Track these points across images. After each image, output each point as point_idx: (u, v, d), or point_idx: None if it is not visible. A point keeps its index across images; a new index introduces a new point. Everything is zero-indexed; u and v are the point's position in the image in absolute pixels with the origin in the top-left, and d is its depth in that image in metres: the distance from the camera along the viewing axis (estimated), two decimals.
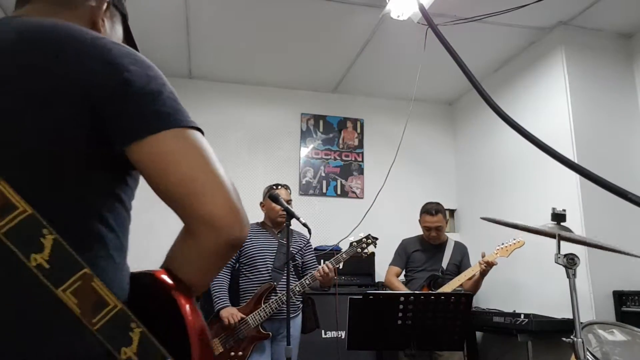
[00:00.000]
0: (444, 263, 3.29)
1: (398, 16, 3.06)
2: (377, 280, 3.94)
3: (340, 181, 4.51)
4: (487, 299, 3.97)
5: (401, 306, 2.20)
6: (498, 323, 3.20)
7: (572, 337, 1.71)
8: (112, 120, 0.67)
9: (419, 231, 3.53)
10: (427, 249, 3.40)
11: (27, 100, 0.65)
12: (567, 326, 2.72)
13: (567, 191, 3.20)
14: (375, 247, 3.00)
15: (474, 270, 3.07)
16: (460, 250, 3.38)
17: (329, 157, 4.52)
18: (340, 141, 4.60)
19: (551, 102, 3.47)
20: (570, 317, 1.78)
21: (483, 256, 3.01)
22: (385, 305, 2.22)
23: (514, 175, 3.80)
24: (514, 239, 3.00)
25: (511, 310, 3.39)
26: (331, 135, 4.59)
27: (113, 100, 0.67)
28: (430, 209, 3.34)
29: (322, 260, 2.92)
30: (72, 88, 0.66)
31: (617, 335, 2.19)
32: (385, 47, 3.75)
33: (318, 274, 2.72)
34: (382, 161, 3.77)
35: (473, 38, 3.54)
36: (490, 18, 3.18)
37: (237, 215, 0.68)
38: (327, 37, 3.63)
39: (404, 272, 3.46)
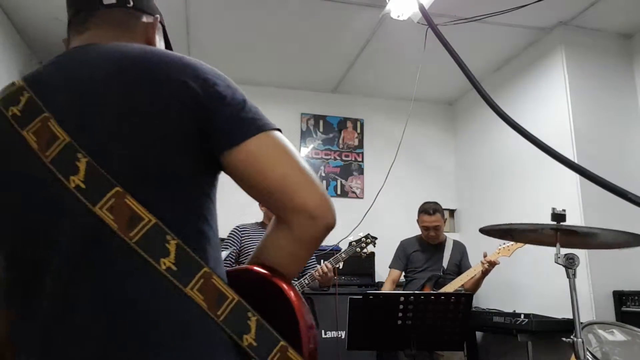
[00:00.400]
0: (445, 263, 3.28)
1: (398, 16, 3.05)
2: (377, 280, 3.93)
3: (340, 181, 4.51)
4: (487, 299, 3.97)
5: (401, 306, 2.20)
6: (498, 323, 3.20)
7: (572, 337, 1.71)
8: (210, 130, 0.74)
9: (419, 231, 3.53)
10: (426, 249, 3.39)
11: (138, 122, 0.72)
12: (567, 326, 2.72)
13: (567, 191, 3.20)
14: (374, 246, 2.99)
15: (475, 270, 3.06)
16: (460, 250, 3.38)
17: (329, 157, 4.52)
18: (340, 141, 4.60)
19: (551, 102, 3.47)
20: (570, 317, 1.78)
21: (485, 256, 3.00)
22: (385, 305, 2.22)
23: (514, 175, 3.80)
24: None
25: (511, 310, 3.39)
26: (331, 135, 4.59)
27: (209, 112, 0.74)
28: (428, 209, 3.33)
29: (321, 260, 2.92)
30: (174, 105, 0.73)
31: (617, 335, 2.19)
32: (385, 47, 3.75)
33: (317, 274, 2.72)
34: (382, 161, 3.77)
35: (473, 38, 3.54)
36: (490, 18, 3.18)
37: (329, 203, 0.76)
38: (327, 37, 3.63)
39: (404, 273, 3.45)
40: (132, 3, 0.88)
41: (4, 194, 0.75)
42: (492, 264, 2.97)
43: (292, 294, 0.76)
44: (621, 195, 0.52)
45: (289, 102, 4.41)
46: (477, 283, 3.10)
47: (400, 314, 2.21)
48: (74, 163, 0.69)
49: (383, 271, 3.93)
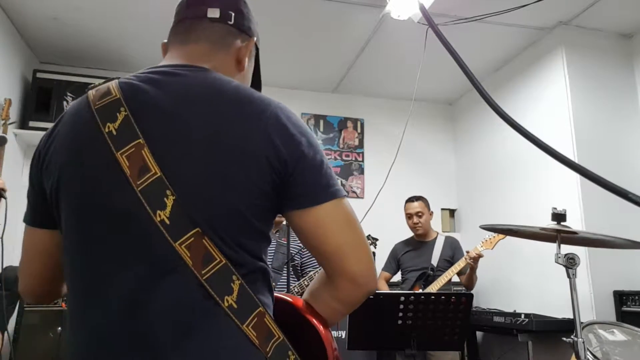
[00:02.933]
0: (434, 260, 3.32)
1: (398, 16, 3.05)
2: None
3: (341, 181, 4.51)
4: (487, 299, 3.97)
5: (401, 306, 2.20)
6: (498, 323, 3.19)
7: (572, 337, 1.71)
8: (287, 188, 0.79)
9: None
10: (416, 248, 3.45)
11: (222, 170, 0.75)
12: (567, 326, 2.72)
13: (567, 191, 3.20)
14: (375, 247, 2.99)
15: (460, 265, 3.12)
16: (451, 245, 3.40)
17: (329, 157, 4.52)
18: (341, 141, 4.60)
19: (551, 101, 3.46)
20: (571, 317, 1.78)
21: (468, 253, 3.08)
22: (386, 305, 2.22)
23: (514, 175, 3.80)
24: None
25: (511, 310, 3.39)
26: (331, 135, 4.59)
27: (289, 172, 0.78)
28: (411, 197, 3.50)
29: None
30: (259, 159, 0.76)
31: (618, 335, 2.19)
32: (385, 47, 3.75)
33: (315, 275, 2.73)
34: (383, 161, 3.77)
35: (473, 38, 3.54)
36: (490, 18, 3.18)
37: (373, 273, 0.83)
38: (328, 37, 3.63)
39: (400, 275, 3.51)
40: (233, 21, 0.93)
41: (85, 207, 0.78)
42: (476, 259, 3.04)
43: (324, 333, 0.85)
44: (622, 195, 0.52)
45: (290, 102, 4.36)
46: (470, 278, 3.16)
47: (400, 314, 2.21)
48: (162, 199, 0.74)
49: None
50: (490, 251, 3.10)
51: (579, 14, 3.30)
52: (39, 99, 3.62)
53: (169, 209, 0.73)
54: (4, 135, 2.64)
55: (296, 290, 2.71)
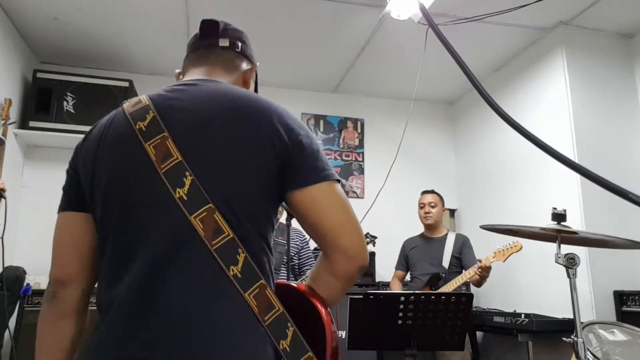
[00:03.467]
0: (445, 259, 3.25)
1: (398, 16, 3.05)
2: (377, 280, 3.93)
3: (341, 181, 4.50)
4: (487, 299, 3.97)
5: (401, 306, 2.20)
6: (498, 323, 3.19)
7: (572, 337, 1.71)
8: (288, 171, 0.91)
9: (419, 230, 3.54)
10: (425, 245, 3.39)
11: (236, 155, 0.89)
12: (567, 326, 2.72)
13: (567, 191, 3.20)
14: (374, 245, 2.99)
15: (470, 274, 3.05)
16: (460, 242, 3.33)
17: (329, 157, 4.52)
18: (341, 141, 4.60)
19: (551, 102, 3.46)
20: (571, 317, 1.78)
21: (480, 261, 2.98)
22: (386, 305, 2.22)
23: (515, 175, 3.80)
24: (512, 242, 2.97)
25: (511, 310, 3.39)
26: (331, 135, 4.59)
27: (290, 157, 0.91)
28: (426, 190, 3.49)
29: None
30: (268, 146, 0.90)
31: (618, 335, 2.19)
32: (385, 47, 3.75)
33: None
34: (383, 161, 3.77)
35: (473, 38, 3.54)
36: (490, 18, 3.18)
37: (365, 248, 0.93)
38: (328, 37, 3.63)
39: (409, 273, 3.44)
40: (239, 49, 1.13)
41: (120, 186, 0.91)
42: (486, 269, 2.96)
43: (323, 311, 0.93)
44: (622, 195, 0.52)
45: (290, 101, 4.40)
46: (480, 282, 3.08)
47: (400, 314, 2.21)
48: (182, 179, 0.87)
49: (383, 271, 3.93)
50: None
51: (579, 14, 3.30)
52: (39, 99, 3.61)
53: (187, 187, 0.87)
54: (1, 137, 2.64)
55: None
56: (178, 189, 0.86)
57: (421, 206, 3.44)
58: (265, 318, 0.84)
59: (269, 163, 0.89)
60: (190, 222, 0.85)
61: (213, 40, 1.11)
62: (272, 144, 0.89)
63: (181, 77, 1.13)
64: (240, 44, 1.13)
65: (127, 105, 0.98)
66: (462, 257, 3.27)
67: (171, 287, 0.83)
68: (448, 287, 3.09)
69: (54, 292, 1.01)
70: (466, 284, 3.19)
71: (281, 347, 0.84)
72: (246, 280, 0.85)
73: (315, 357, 0.87)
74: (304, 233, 2.78)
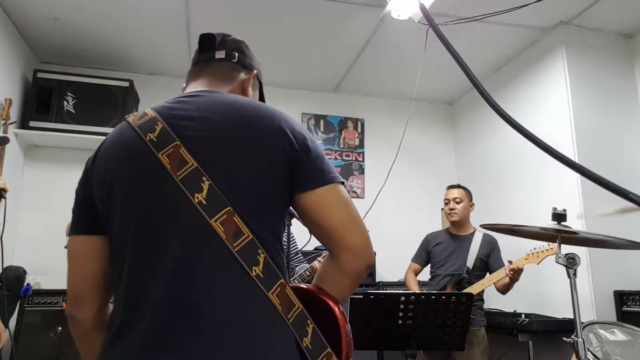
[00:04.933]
0: (470, 260, 3.05)
1: (399, 16, 3.05)
2: (377, 280, 3.94)
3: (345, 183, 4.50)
4: (487, 298, 3.96)
5: (402, 306, 2.20)
6: (499, 323, 3.19)
7: (572, 336, 1.71)
8: (296, 173, 0.94)
9: (419, 230, 3.52)
10: (450, 242, 3.21)
11: (250, 160, 0.92)
12: (568, 326, 2.72)
13: (567, 191, 3.20)
14: None
15: (499, 275, 2.88)
16: (488, 244, 3.13)
17: (329, 156, 4.52)
18: (341, 141, 4.60)
19: (552, 101, 3.46)
20: (571, 316, 1.78)
21: (510, 263, 2.80)
22: (386, 305, 2.22)
23: (515, 175, 3.80)
24: (547, 245, 2.72)
25: (512, 310, 3.39)
26: (332, 135, 4.59)
27: (298, 159, 0.95)
28: (452, 184, 3.36)
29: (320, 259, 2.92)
30: (279, 151, 0.93)
31: (618, 335, 2.19)
32: (385, 47, 3.75)
33: (317, 264, 2.73)
34: (383, 161, 3.77)
35: (474, 38, 3.54)
36: (490, 18, 3.17)
37: (370, 247, 0.96)
38: (328, 37, 3.63)
39: (429, 268, 3.29)
40: (236, 60, 1.15)
41: (137, 198, 0.93)
42: (517, 272, 2.76)
43: (337, 310, 0.95)
44: (622, 195, 0.52)
45: (290, 101, 4.41)
46: (507, 287, 2.90)
47: (400, 314, 2.21)
48: (200, 184, 0.89)
49: (384, 271, 3.94)
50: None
51: (579, 14, 3.29)
52: (39, 98, 3.61)
53: (205, 192, 0.89)
54: (6, 135, 2.65)
55: (297, 282, 2.71)
56: (196, 194, 0.88)
57: (446, 202, 3.27)
58: (289, 316, 0.87)
59: (281, 166, 0.93)
60: (211, 226, 0.87)
61: (210, 54, 1.14)
62: (282, 149, 0.93)
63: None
64: (237, 54, 1.15)
65: (133, 119, 1.00)
66: (490, 260, 3.08)
67: (198, 289, 0.85)
68: (473, 290, 2.91)
69: (70, 314, 1.02)
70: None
71: (304, 344, 0.88)
72: (268, 280, 0.87)
73: (333, 353, 0.90)
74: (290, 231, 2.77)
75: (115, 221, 0.95)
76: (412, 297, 2.20)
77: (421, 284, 3.33)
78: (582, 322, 1.76)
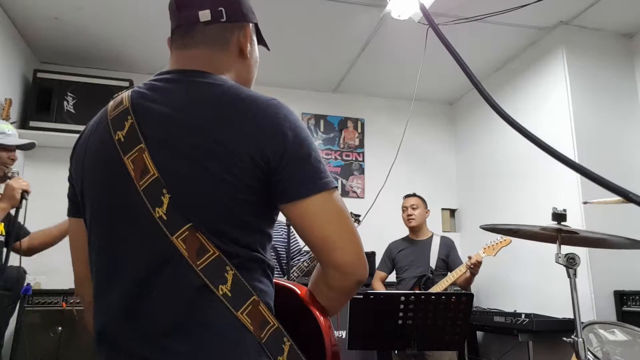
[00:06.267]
0: (432, 261, 3.30)
1: (399, 16, 3.05)
2: None
3: (341, 181, 4.51)
4: (487, 298, 3.97)
5: (402, 306, 2.20)
6: (499, 323, 3.20)
7: (572, 336, 1.71)
8: (272, 182, 0.83)
9: None
10: (411, 248, 3.43)
11: (216, 172, 0.81)
12: (567, 326, 2.72)
13: (567, 191, 3.20)
14: (359, 224, 2.92)
15: (461, 270, 3.10)
16: (446, 245, 3.39)
17: (329, 156, 4.52)
18: (341, 141, 4.60)
19: (552, 101, 3.46)
20: (571, 316, 1.78)
21: (470, 258, 3.04)
22: (386, 305, 2.22)
23: (515, 174, 3.80)
24: (500, 237, 3.02)
25: (512, 310, 3.39)
26: (332, 135, 4.59)
27: (279, 165, 0.82)
28: (408, 193, 3.54)
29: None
30: (247, 157, 0.81)
31: (618, 335, 2.19)
32: (385, 47, 3.75)
33: (305, 265, 2.73)
34: (383, 161, 3.76)
35: (474, 38, 3.54)
36: (491, 18, 3.17)
37: (362, 262, 0.86)
38: (328, 36, 3.63)
39: (395, 275, 3.48)
40: (225, 17, 0.97)
41: (104, 201, 0.89)
42: (477, 265, 3.01)
43: (322, 320, 0.90)
44: (622, 195, 0.52)
45: (290, 101, 4.34)
46: (468, 281, 3.13)
47: (400, 314, 2.21)
48: (160, 197, 0.82)
49: None
50: (491, 257, 3.08)
51: (579, 14, 3.29)
52: (39, 98, 3.61)
53: (165, 206, 0.82)
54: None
55: (296, 274, 2.69)
56: (157, 208, 0.82)
57: (403, 209, 3.50)
58: (262, 335, 0.81)
59: (248, 176, 0.81)
60: (172, 243, 0.80)
61: (192, 15, 0.96)
62: (250, 157, 0.81)
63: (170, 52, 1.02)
64: (224, 10, 0.96)
65: (111, 106, 0.94)
66: (449, 260, 3.32)
67: (155, 311, 0.81)
68: (438, 288, 3.14)
69: (77, 292, 1.03)
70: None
71: None
72: (237, 299, 0.81)
73: None
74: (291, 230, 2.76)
75: (88, 217, 0.93)
76: (412, 297, 2.20)
77: (387, 284, 3.55)
78: (582, 322, 1.76)
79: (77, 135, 1.11)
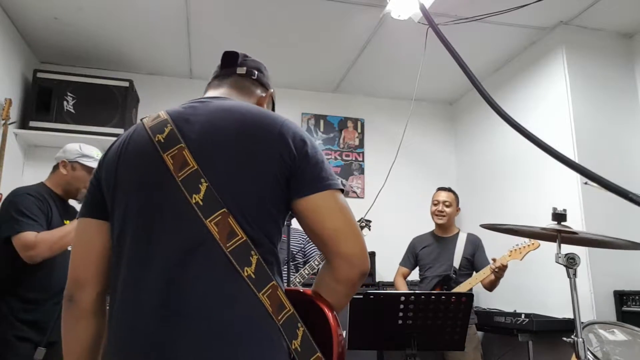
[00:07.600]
0: (456, 260, 3.14)
1: (399, 16, 3.05)
2: (377, 280, 3.93)
3: (341, 181, 4.49)
4: (487, 298, 3.97)
5: (402, 306, 2.20)
6: (499, 323, 3.20)
7: (572, 336, 1.71)
8: (293, 179, 0.97)
9: (419, 230, 3.52)
10: (436, 245, 3.29)
11: (248, 166, 0.95)
12: (567, 326, 2.73)
13: (567, 191, 3.20)
14: (369, 230, 2.93)
15: (485, 273, 2.96)
16: (473, 243, 3.23)
17: (329, 157, 4.51)
18: (341, 141, 4.60)
19: (552, 101, 3.46)
20: (571, 316, 1.78)
21: (494, 260, 2.90)
22: (386, 305, 2.22)
23: (515, 174, 3.80)
24: (529, 241, 2.83)
25: (512, 310, 3.39)
26: (332, 135, 4.59)
27: (296, 166, 0.97)
28: (443, 187, 3.39)
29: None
30: (277, 155, 0.96)
31: (618, 335, 2.19)
32: (385, 47, 3.75)
33: (316, 263, 2.73)
34: (383, 161, 3.76)
35: (473, 38, 3.54)
36: (490, 18, 3.17)
37: (366, 255, 0.98)
38: (328, 36, 3.63)
39: (418, 271, 3.36)
40: (255, 77, 1.24)
41: (140, 194, 0.98)
42: (502, 269, 2.86)
43: (330, 315, 0.97)
44: (622, 195, 0.52)
45: (290, 101, 4.40)
46: (493, 283, 2.99)
47: (400, 314, 2.21)
48: (198, 185, 0.94)
49: (384, 271, 3.93)
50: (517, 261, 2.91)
51: (579, 14, 3.29)
52: (39, 98, 3.61)
53: (202, 193, 0.93)
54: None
55: (297, 280, 2.70)
56: (194, 195, 0.93)
57: (435, 203, 3.31)
58: (279, 317, 0.89)
59: (277, 172, 0.95)
60: (206, 226, 0.90)
61: (232, 69, 1.22)
62: (280, 155, 0.96)
63: None
64: (256, 72, 1.24)
65: (147, 120, 1.06)
66: (475, 259, 3.17)
67: (189, 288, 0.89)
68: (461, 289, 3.00)
69: (70, 295, 1.04)
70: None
71: (293, 346, 0.90)
72: (260, 281, 0.90)
73: (323, 358, 0.91)
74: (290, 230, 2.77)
75: (120, 214, 0.99)
76: (412, 297, 2.20)
77: (410, 283, 3.43)
78: (582, 322, 1.76)
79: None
